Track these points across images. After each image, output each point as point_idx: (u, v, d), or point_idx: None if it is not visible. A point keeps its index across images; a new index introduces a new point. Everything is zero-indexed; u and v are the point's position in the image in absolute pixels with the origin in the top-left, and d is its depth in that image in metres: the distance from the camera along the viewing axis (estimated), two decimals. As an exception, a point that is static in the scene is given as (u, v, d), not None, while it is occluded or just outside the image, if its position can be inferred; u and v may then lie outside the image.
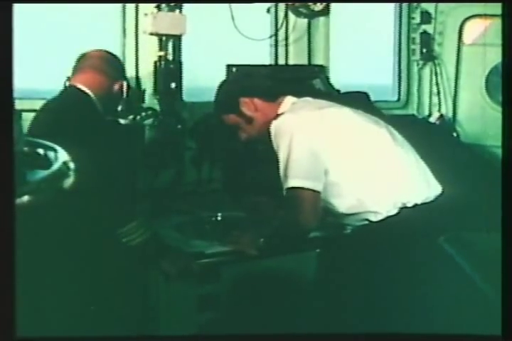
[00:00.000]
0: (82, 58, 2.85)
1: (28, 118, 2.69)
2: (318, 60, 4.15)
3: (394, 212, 2.63)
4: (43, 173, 1.52)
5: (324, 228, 2.79)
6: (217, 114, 2.94)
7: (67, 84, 2.83)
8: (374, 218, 2.64)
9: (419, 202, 2.66)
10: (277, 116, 2.77)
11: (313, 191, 2.60)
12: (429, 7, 4.41)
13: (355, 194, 2.65)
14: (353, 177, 2.66)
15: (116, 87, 2.84)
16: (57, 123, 2.78)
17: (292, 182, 2.59)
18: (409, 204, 2.64)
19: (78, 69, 2.82)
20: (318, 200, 2.62)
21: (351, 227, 2.71)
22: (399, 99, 4.57)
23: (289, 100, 2.85)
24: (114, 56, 2.95)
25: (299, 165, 2.60)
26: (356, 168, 2.67)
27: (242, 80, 2.92)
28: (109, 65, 2.85)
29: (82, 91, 2.76)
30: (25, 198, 1.45)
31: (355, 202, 2.64)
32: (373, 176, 2.67)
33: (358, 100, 3.65)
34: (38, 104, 3.40)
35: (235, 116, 2.84)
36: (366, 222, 2.65)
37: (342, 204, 2.67)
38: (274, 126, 2.71)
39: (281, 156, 2.63)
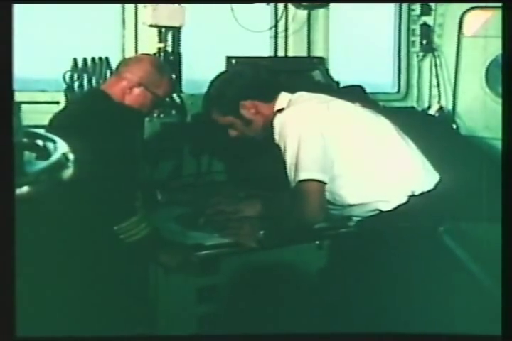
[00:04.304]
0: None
1: (27, 110, 2.68)
2: (318, 51, 4.14)
3: (404, 200, 2.64)
4: (42, 164, 1.52)
5: (332, 220, 2.79)
6: (211, 113, 2.88)
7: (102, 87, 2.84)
8: (385, 207, 2.64)
9: (425, 189, 2.69)
10: (277, 112, 2.75)
11: (323, 183, 2.61)
12: (430, -1, 4.41)
13: (364, 184, 2.66)
14: (362, 168, 2.66)
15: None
16: (66, 116, 2.79)
17: (304, 174, 2.58)
18: (417, 193, 2.67)
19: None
20: (325, 192, 2.64)
21: (360, 218, 2.71)
22: (398, 91, 4.57)
23: (284, 96, 2.81)
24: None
25: (310, 158, 2.59)
26: (364, 158, 2.68)
27: (237, 81, 2.80)
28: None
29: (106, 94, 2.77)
30: (25, 189, 1.45)
31: (364, 192, 2.66)
32: (382, 165, 2.69)
33: (354, 93, 3.65)
34: (37, 96, 3.41)
35: (233, 117, 2.80)
36: (376, 212, 2.66)
37: (350, 195, 2.67)
38: (279, 121, 2.69)
39: (290, 149, 2.61)
